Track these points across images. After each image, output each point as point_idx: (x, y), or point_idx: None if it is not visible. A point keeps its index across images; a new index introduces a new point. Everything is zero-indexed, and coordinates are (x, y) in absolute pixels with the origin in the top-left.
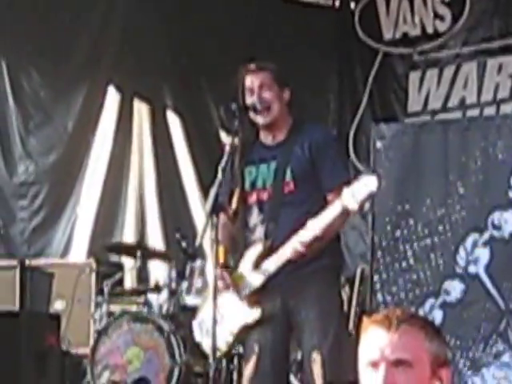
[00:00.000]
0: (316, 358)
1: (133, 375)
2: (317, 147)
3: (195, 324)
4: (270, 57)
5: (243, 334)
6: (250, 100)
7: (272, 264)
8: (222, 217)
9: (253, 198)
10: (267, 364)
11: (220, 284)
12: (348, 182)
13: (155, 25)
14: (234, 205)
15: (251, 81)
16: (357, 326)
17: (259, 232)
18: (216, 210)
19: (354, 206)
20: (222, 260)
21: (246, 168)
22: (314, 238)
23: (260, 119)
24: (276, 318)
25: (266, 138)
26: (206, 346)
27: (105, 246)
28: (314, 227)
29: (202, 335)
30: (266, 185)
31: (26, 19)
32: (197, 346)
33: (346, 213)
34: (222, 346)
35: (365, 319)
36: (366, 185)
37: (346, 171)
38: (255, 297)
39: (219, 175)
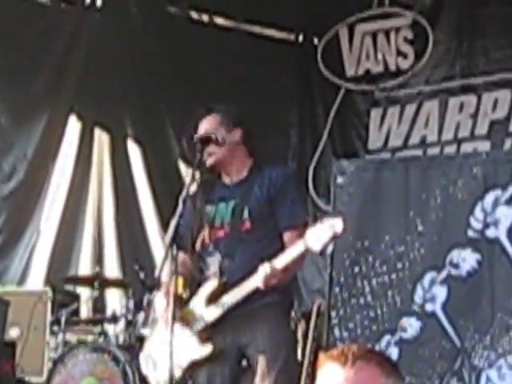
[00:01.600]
0: None
1: None
2: (275, 187)
3: (142, 357)
4: (231, 90)
5: (192, 370)
6: (197, 145)
7: (232, 298)
8: (181, 254)
9: (208, 237)
10: None
11: (169, 316)
12: (306, 223)
13: (118, 54)
14: (198, 243)
15: (200, 128)
16: (313, 361)
17: (214, 269)
18: (176, 242)
19: (317, 247)
20: (180, 291)
21: (206, 206)
22: (275, 275)
23: (208, 161)
24: (226, 355)
25: (224, 177)
26: (153, 379)
27: (62, 278)
28: (277, 265)
29: (147, 368)
30: (223, 223)
31: None
32: (144, 380)
33: (306, 253)
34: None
35: (321, 355)
36: (331, 227)
37: (303, 211)
38: (207, 333)
39: (179, 207)
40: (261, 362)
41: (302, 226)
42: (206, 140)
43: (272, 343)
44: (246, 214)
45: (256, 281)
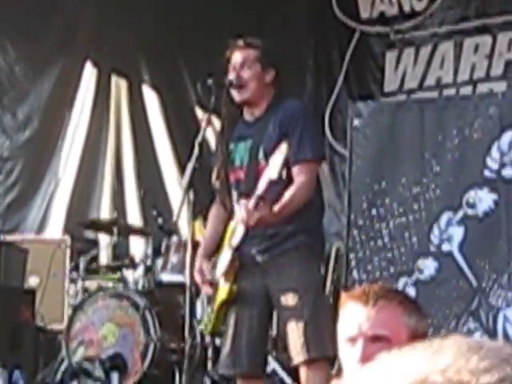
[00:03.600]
0: (294, 327)
1: (108, 351)
2: (286, 124)
3: (199, 302)
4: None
5: (223, 311)
6: (230, 76)
7: (235, 238)
8: (216, 200)
9: (232, 177)
10: (244, 341)
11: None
12: (316, 159)
13: (133, 1)
14: (220, 184)
15: (235, 57)
16: (333, 302)
17: (234, 210)
18: (193, 185)
19: (273, 175)
20: (198, 235)
21: (230, 145)
22: (250, 215)
23: (236, 95)
24: (254, 296)
25: (246, 114)
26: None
27: (81, 223)
28: (249, 205)
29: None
30: (242, 164)
31: None
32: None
33: (271, 185)
34: (208, 323)
35: (343, 295)
36: (280, 152)
37: (313, 146)
38: (232, 274)
39: (195, 150)
40: (288, 304)
41: (311, 162)
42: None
43: (300, 284)
44: (261, 154)
45: (241, 226)
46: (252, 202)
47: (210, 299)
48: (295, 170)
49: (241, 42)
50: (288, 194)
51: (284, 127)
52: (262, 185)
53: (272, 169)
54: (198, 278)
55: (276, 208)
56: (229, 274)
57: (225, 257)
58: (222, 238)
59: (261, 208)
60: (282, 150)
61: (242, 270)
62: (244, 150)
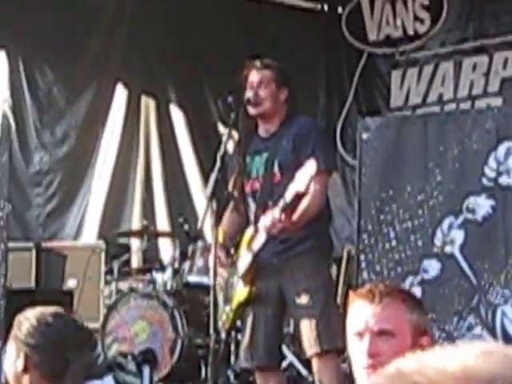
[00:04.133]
0: (307, 324)
1: (140, 347)
2: (299, 138)
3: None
4: (264, 56)
5: (240, 310)
6: (248, 93)
7: (257, 243)
8: (231, 206)
9: (248, 187)
10: (260, 336)
11: (218, 264)
12: (328, 170)
13: (160, 27)
14: (235, 193)
15: (252, 77)
16: (344, 301)
17: (251, 217)
18: (216, 194)
19: (301, 188)
20: (221, 241)
21: (246, 158)
22: (275, 224)
23: (251, 110)
24: (269, 296)
25: (261, 130)
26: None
27: (115, 232)
28: (275, 214)
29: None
30: (258, 175)
31: (40, 19)
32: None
33: (299, 197)
34: (226, 321)
35: (351, 293)
36: (308, 168)
37: (324, 158)
38: (250, 276)
39: (218, 163)
40: (301, 303)
41: (323, 173)
42: (257, 101)
43: (312, 285)
44: (276, 166)
45: (264, 232)
46: (278, 212)
47: (227, 300)
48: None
49: (258, 63)
50: (304, 204)
51: (297, 142)
52: (288, 196)
53: (299, 182)
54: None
55: (294, 217)
56: (247, 276)
57: (244, 260)
58: (239, 242)
59: (284, 219)
60: (310, 165)
61: (258, 271)
62: (260, 163)
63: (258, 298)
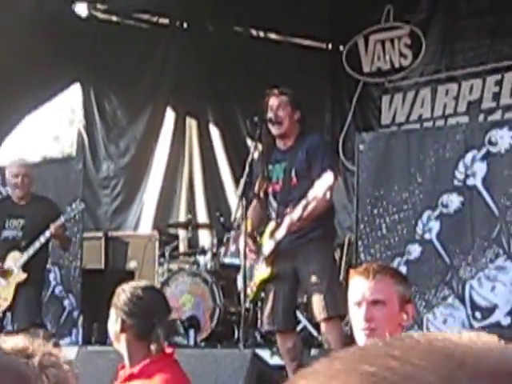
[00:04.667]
0: (317, 298)
1: (186, 314)
2: (311, 151)
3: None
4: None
5: (263, 286)
6: (269, 115)
7: (279, 234)
8: (255, 202)
9: (270, 189)
10: (279, 306)
11: (247, 249)
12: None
13: (201, 61)
14: (261, 194)
15: (272, 101)
16: (346, 277)
17: (273, 213)
18: (247, 194)
19: (320, 194)
20: (249, 230)
21: (268, 166)
22: (293, 223)
23: (274, 130)
24: (286, 274)
25: (279, 144)
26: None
27: (166, 224)
28: (294, 217)
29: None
30: (278, 179)
31: (105, 57)
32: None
33: (312, 201)
34: (250, 294)
35: (351, 271)
36: (326, 179)
37: (329, 168)
38: (271, 259)
39: (246, 169)
40: (313, 281)
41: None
42: (277, 121)
43: (320, 267)
44: (293, 172)
45: (286, 225)
46: (297, 214)
47: (251, 277)
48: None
49: (276, 91)
50: (315, 204)
51: (309, 154)
52: (309, 198)
53: (317, 189)
54: (247, 249)
55: (305, 214)
56: (269, 259)
57: (268, 246)
58: (263, 233)
59: (300, 219)
60: (329, 177)
61: (278, 255)
62: (280, 170)
63: (278, 276)
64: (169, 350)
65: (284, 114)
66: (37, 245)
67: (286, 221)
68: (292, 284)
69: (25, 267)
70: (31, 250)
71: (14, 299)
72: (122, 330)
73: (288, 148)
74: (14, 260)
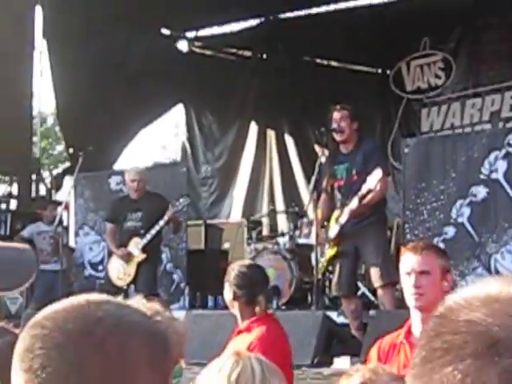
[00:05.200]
0: (373, 270)
1: (270, 284)
2: (368, 154)
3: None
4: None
5: (331, 261)
6: (333, 125)
7: (342, 219)
8: (324, 195)
9: (336, 184)
10: (344, 276)
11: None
12: (387, 172)
13: (277, 85)
14: (328, 188)
15: (336, 115)
16: (396, 253)
17: (338, 203)
18: (316, 189)
19: (372, 186)
20: (319, 217)
21: (333, 166)
22: (354, 209)
23: (337, 137)
24: (349, 251)
25: (342, 148)
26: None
27: (252, 214)
28: (352, 205)
29: None
30: (342, 177)
31: (202, 82)
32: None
33: (370, 192)
34: (322, 267)
35: (402, 248)
36: (376, 174)
37: (379, 166)
38: (337, 240)
39: (316, 169)
40: (370, 257)
41: (384, 176)
42: (340, 130)
43: (376, 245)
44: (353, 171)
45: (348, 212)
46: (355, 203)
47: (322, 254)
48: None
49: (338, 107)
50: (373, 194)
51: (366, 156)
52: (363, 190)
53: (370, 183)
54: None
55: (364, 200)
56: (335, 239)
57: (334, 229)
58: (329, 218)
59: (359, 206)
60: (378, 173)
61: (342, 236)
62: (343, 169)
63: (342, 253)
64: (270, 311)
65: (345, 125)
66: (153, 231)
67: (347, 209)
68: (354, 259)
69: (144, 249)
70: (148, 236)
71: (136, 275)
72: (234, 299)
73: (349, 152)
74: (135, 244)
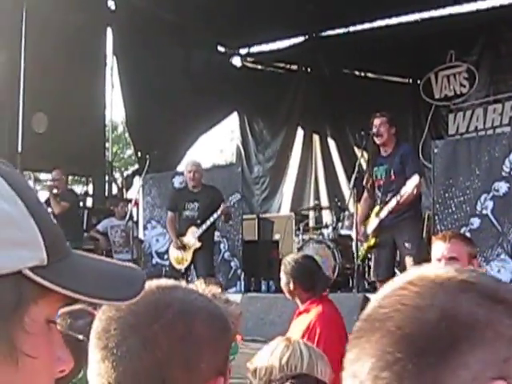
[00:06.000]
0: (408, 259)
1: None
2: (404, 157)
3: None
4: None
5: (370, 250)
6: (373, 130)
7: (383, 213)
8: (365, 194)
9: (376, 184)
10: (381, 263)
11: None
12: (420, 173)
13: (320, 94)
14: (369, 187)
15: (376, 121)
16: (428, 242)
17: (378, 200)
18: (355, 186)
19: (409, 190)
20: (360, 213)
21: (374, 167)
22: (394, 208)
23: (377, 141)
24: (387, 242)
25: (382, 151)
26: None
27: (300, 208)
28: (392, 204)
29: None
30: (382, 177)
31: (254, 92)
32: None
33: (407, 193)
34: (361, 255)
35: (433, 237)
36: (414, 180)
37: (417, 168)
38: (376, 232)
39: (356, 169)
40: (406, 246)
41: (418, 176)
42: (379, 134)
43: (411, 236)
44: (392, 172)
45: (388, 209)
46: (394, 202)
47: (362, 243)
48: (411, 180)
49: (378, 114)
50: (409, 191)
51: (403, 158)
52: (401, 193)
53: (407, 187)
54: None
55: (401, 200)
56: (375, 231)
57: (374, 222)
58: (369, 214)
59: (397, 205)
60: (416, 178)
61: (381, 229)
62: (382, 170)
63: (381, 243)
64: (324, 294)
65: (383, 130)
66: (208, 222)
67: (386, 208)
68: (391, 248)
69: (199, 238)
70: (204, 226)
71: (192, 260)
72: (294, 288)
73: (388, 154)
74: (192, 233)
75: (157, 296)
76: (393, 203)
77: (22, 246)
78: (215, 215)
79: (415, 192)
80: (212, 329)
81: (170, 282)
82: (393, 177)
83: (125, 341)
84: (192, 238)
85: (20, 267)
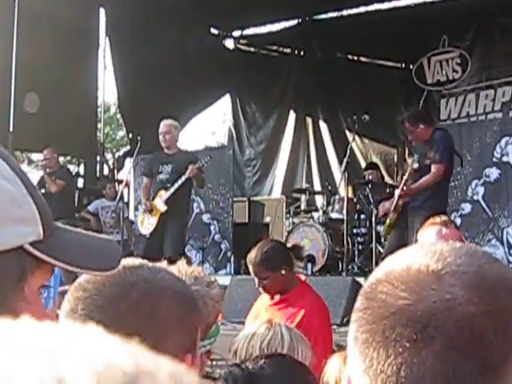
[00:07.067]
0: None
1: (305, 253)
2: (431, 143)
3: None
4: (372, 98)
5: (389, 228)
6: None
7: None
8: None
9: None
10: (393, 240)
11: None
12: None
13: (313, 78)
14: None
15: (406, 124)
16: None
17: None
18: (346, 170)
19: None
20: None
21: (414, 154)
22: (407, 192)
23: (409, 138)
24: (402, 223)
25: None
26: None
27: (291, 190)
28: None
29: None
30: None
31: (247, 75)
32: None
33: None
34: (384, 233)
35: (429, 222)
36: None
37: (436, 158)
38: (394, 213)
39: (347, 152)
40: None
41: (437, 163)
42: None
43: (422, 218)
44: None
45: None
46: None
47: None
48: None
49: (402, 120)
50: (423, 179)
51: (431, 145)
52: (420, 181)
53: (427, 177)
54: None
55: (414, 186)
56: (395, 210)
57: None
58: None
59: (403, 190)
60: (438, 169)
61: (399, 214)
62: (417, 158)
63: (397, 223)
64: (302, 277)
65: (412, 137)
66: (177, 184)
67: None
68: (404, 228)
69: (167, 201)
70: (172, 189)
71: (157, 225)
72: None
73: (424, 145)
74: (160, 196)
75: (123, 276)
76: (398, 191)
77: (24, 223)
78: (183, 178)
79: (429, 182)
80: (178, 307)
81: (137, 261)
82: (415, 166)
83: (91, 321)
84: (160, 201)
85: (22, 242)
